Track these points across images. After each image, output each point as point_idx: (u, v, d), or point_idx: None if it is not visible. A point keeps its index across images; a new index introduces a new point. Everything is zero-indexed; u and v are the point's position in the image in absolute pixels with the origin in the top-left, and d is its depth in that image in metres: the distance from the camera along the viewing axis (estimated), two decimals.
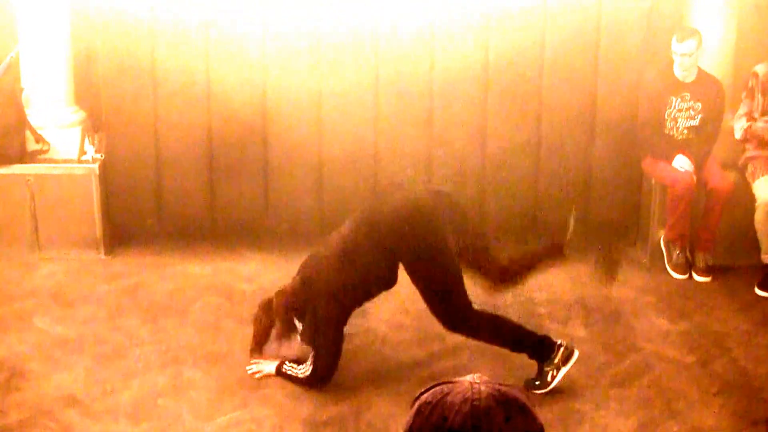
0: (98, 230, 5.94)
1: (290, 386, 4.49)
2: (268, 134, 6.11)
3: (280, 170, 6.17)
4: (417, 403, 1.54)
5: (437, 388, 1.53)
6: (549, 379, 4.43)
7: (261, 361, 4.59)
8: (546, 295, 5.49)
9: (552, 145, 6.18)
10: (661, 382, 4.62)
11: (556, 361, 4.43)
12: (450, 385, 1.52)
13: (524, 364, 4.59)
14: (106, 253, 5.97)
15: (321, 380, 4.43)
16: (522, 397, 1.52)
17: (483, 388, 1.49)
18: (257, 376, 4.55)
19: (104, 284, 5.61)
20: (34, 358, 4.73)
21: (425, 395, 1.53)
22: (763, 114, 5.78)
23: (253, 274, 5.77)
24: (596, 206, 6.26)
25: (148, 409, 4.29)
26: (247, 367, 4.60)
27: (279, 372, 4.52)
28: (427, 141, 6.18)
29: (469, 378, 1.53)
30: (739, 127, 5.81)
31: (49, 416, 4.21)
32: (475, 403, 1.47)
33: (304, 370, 4.44)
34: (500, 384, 1.52)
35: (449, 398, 1.49)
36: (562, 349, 4.44)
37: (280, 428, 4.18)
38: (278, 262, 5.93)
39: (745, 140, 5.81)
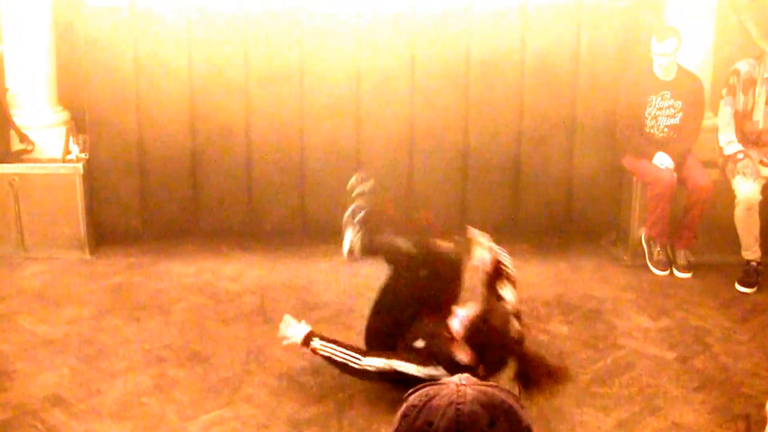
0: (82, 230, 5.95)
1: (274, 385, 4.51)
2: (251, 135, 6.12)
3: (263, 170, 6.18)
4: (403, 406, 1.53)
5: (423, 390, 1.53)
6: None
7: (292, 322, 4.38)
8: (527, 293, 5.51)
9: (533, 144, 6.22)
10: (642, 378, 4.65)
11: None
12: (436, 388, 1.52)
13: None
14: (90, 253, 5.98)
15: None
16: (509, 399, 1.51)
17: (469, 391, 1.49)
18: (284, 342, 4.37)
19: (89, 284, 5.62)
20: (19, 357, 4.74)
21: (412, 398, 1.53)
22: (745, 113, 5.83)
23: (237, 274, 5.79)
24: (577, 204, 6.30)
25: (132, 408, 4.31)
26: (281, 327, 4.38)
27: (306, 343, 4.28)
28: (408, 142, 6.20)
29: (455, 379, 1.53)
30: (726, 141, 5.82)
31: (34, 416, 4.22)
32: (459, 407, 1.46)
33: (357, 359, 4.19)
34: (487, 385, 1.52)
35: (435, 402, 1.48)
36: None
37: (264, 427, 4.20)
38: (261, 261, 5.95)
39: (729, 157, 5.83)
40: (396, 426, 1.52)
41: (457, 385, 1.51)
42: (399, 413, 1.53)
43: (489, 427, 1.45)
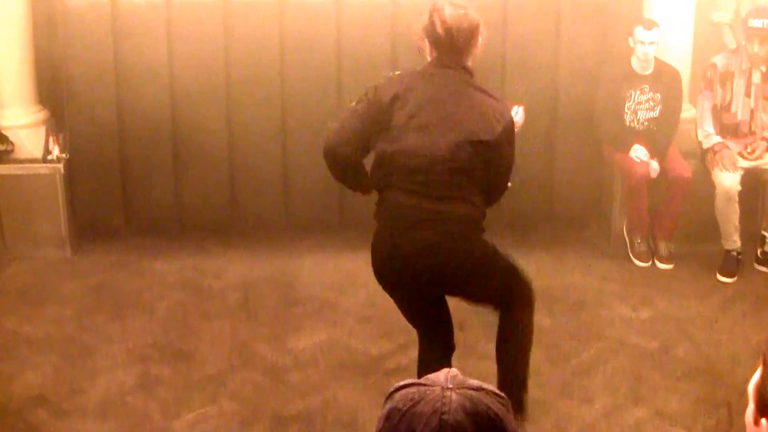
0: (64, 229, 5.92)
1: (258, 381, 4.51)
2: (233, 131, 6.11)
3: (246, 166, 6.17)
4: (387, 406, 1.53)
5: (409, 391, 1.52)
6: None
7: None
8: None
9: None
10: (625, 368, 4.68)
11: None
12: (422, 390, 1.51)
13: (492, 353, 4.64)
14: (72, 252, 5.96)
15: None
16: (494, 404, 1.50)
17: (454, 396, 1.48)
18: None
19: (71, 283, 5.60)
20: (1, 357, 4.72)
21: (397, 396, 1.52)
22: (723, 106, 5.87)
23: (220, 271, 5.78)
24: (559, 196, 6.32)
25: (116, 407, 4.30)
26: None
27: None
28: None
29: (442, 379, 1.52)
30: (703, 135, 5.86)
31: (17, 416, 4.21)
32: (444, 416, 1.45)
33: None
34: (474, 388, 1.51)
35: (419, 408, 1.48)
36: None
37: (248, 424, 4.20)
38: (245, 258, 5.95)
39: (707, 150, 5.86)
40: (379, 427, 1.52)
41: (442, 388, 1.50)
42: (383, 412, 1.53)
43: None
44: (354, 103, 3.68)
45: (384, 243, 3.67)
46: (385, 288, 3.80)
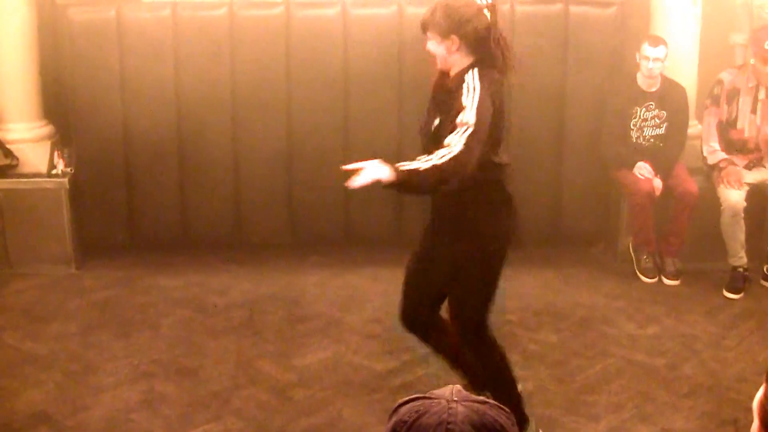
0: (68, 245, 5.93)
1: (263, 398, 4.49)
2: (238, 147, 6.09)
3: (252, 183, 6.16)
4: (393, 420, 1.52)
5: (414, 404, 1.52)
6: None
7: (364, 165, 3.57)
8: (516, 303, 5.53)
9: (521, 152, 6.19)
10: (631, 386, 4.66)
11: None
12: (428, 403, 1.50)
13: None
14: (77, 268, 5.96)
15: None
16: (500, 417, 1.50)
17: (460, 408, 1.48)
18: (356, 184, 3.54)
19: (75, 299, 5.59)
20: (4, 374, 4.70)
21: (402, 410, 1.52)
22: (729, 122, 5.87)
23: (225, 287, 5.77)
24: (565, 213, 6.29)
25: (120, 424, 4.28)
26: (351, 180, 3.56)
27: (399, 173, 3.55)
28: (397, 155, 6.15)
29: (447, 393, 1.51)
30: (709, 151, 5.87)
31: None
32: (449, 426, 1.45)
33: (441, 155, 3.58)
34: (479, 401, 1.51)
35: (424, 419, 1.47)
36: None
37: None
38: (250, 274, 5.94)
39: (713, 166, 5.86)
40: None
41: (448, 401, 1.49)
42: (389, 426, 1.52)
43: None
44: None
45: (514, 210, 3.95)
46: (504, 259, 3.95)
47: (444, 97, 3.83)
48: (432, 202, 4.08)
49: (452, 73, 3.80)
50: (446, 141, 3.58)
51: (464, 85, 3.69)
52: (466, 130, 3.59)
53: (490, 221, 3.88)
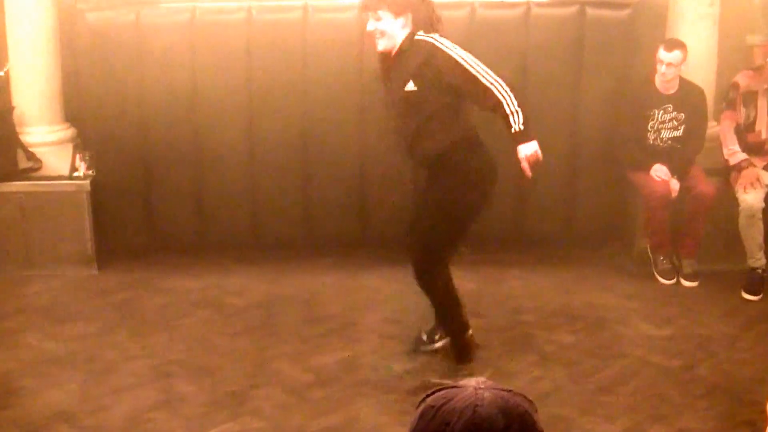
0: (89, 246, 5.98)
1: (280, 398, 4.52)
2: (254, 149, 6.14)
3: (268, 185, 6.19)
4: (421, 407, 1.55)
5: (442, 392, 1.54)
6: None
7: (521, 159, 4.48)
8: (532, 303, 5.54)
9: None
10: (647, 387, 4.66)
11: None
12: (455, 391, 1.53)
13: (514, 371, 4.66)
14: (97, 269, 6.01)
15: None
16: (524, 404, 1.53)
17: (487, 394, 1.51)
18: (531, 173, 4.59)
19: (95, 300, 5.65)
20: (25, 374, 4.76)
21: (430, 399, 1.55)
22: (747, 125, 5.86)
23: (242, 288, 5.81)
24: (581, 214, 6.29)
25: (139, 423, 4.32)
26: None
27: (530, 132, 4.45)
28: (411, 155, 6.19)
29: (473, 383, 1.55)
30: (729, 153, 5.87)
31: None
32: (477, 409, 1.48)
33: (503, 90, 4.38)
34: (505, 390, 1.54)
35: (452, 404, 1.50)
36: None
37: None
38: (266, 275, 5.98)
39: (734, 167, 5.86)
40: (413, 426, 1.55)
41: (475, 388, 1.53)
42: (416, 413, 1.56)
43: (504, 431, 1.47)
44: None
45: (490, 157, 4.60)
46: (488, 197, 4.62)
47: (403, 65, 4.39)
48: (423, 160, 4.66)
49: (398, 42, 4.34)
50: (483, 83, 4.27)
51: (435, 46, 4.30)
52: (478, 65, 4.29)
53: (475, 158, 4.53)
